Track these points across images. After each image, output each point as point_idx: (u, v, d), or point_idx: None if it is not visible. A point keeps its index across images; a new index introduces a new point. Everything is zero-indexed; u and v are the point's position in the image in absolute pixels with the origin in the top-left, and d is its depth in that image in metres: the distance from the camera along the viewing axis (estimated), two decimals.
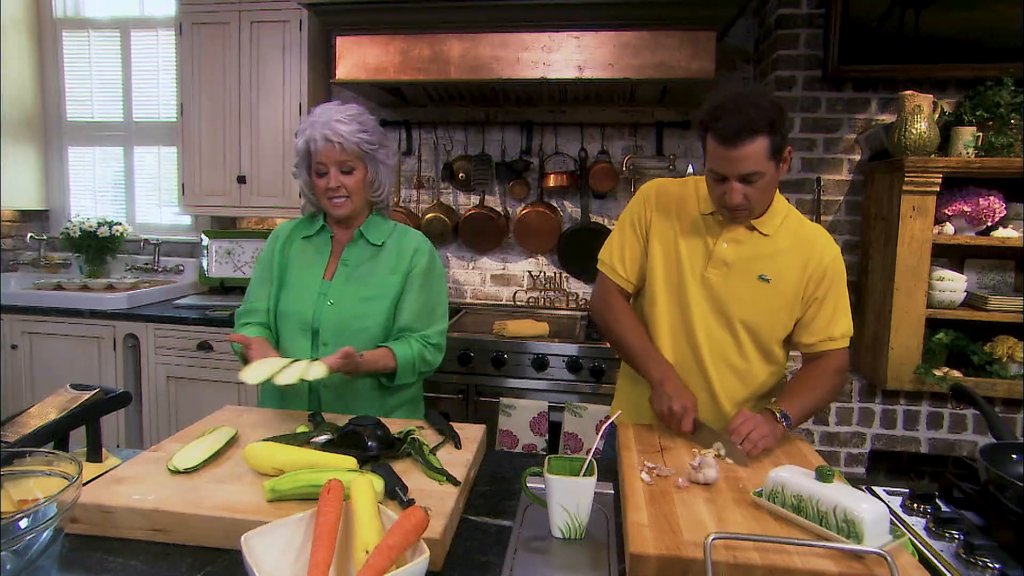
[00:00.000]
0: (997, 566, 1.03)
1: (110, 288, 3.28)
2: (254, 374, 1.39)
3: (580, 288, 3.32)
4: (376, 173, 1.66)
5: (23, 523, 0.90)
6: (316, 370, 1.41)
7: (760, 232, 1.53)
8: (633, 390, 1.67)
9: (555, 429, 2.59)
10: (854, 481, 1.37)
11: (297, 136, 1.65)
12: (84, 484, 1.11)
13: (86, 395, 1.35)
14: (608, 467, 1.39)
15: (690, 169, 2.99)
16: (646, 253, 1.61)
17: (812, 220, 1.67)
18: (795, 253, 1.53)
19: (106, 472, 1.22)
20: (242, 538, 0.89)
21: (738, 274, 1.53)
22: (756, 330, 1.55)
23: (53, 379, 3.05)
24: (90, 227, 3.46)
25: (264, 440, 1.27)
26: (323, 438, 1.31)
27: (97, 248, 3.51)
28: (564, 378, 2.63)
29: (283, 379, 1.38)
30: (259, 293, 1.73)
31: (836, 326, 1.55)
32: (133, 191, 3.75)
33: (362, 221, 1.72)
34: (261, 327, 1.69)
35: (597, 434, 1.28)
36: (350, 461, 1.19)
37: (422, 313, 1.69)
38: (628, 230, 1.64)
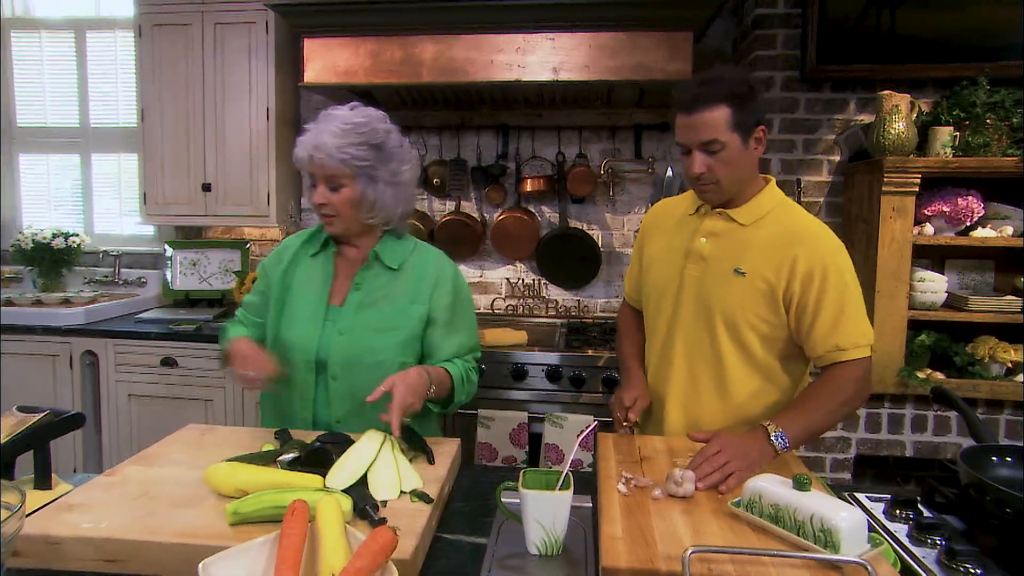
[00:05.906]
0: (979, 571, 1.03)
1: (66, 303, 3.12)
2: (339, 479, 1.15)
3: (559, 295, 3.26)
4: (372, 192, 1.47)
5: None
6: (405, 465, 1.23)
7: (738, 223, 1.48)
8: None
9: (535, 441, 2.51)
10: (840, 487, 1.34)
11: None
12: (29, 514, 1.03)
13: (34, 418, 1.24)
14: (587, 479, 1.34)
15: (669, 172, 2.95)
16: (641, 266, 1.70)
17: None
18: (776, 247, 1.43)
19: (55, 500, 1.13)
20: (200, 565, 0.84)
21: (713, 268, 1.48)
22: (734, 326, 1.46)
23: (4, 401, 2.87)
24: (44, 239, 3.29)
25: (228, 460, 1.18)
26: (289, 456, 1.24)
27: (52, 261, 3.34)
28: (544, 388, 2.55)
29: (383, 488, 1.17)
30: (254, 307, 1.62)
31: (841, 334, 1.39)
32: (91, 200, 3.59)
33: (369, 240, 1.56)
34: (250, 327, 1.60)
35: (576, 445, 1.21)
36: (317, 480, 1.13)
37: (461, 348, 1.58)
38: (634, 249, 1.77)
